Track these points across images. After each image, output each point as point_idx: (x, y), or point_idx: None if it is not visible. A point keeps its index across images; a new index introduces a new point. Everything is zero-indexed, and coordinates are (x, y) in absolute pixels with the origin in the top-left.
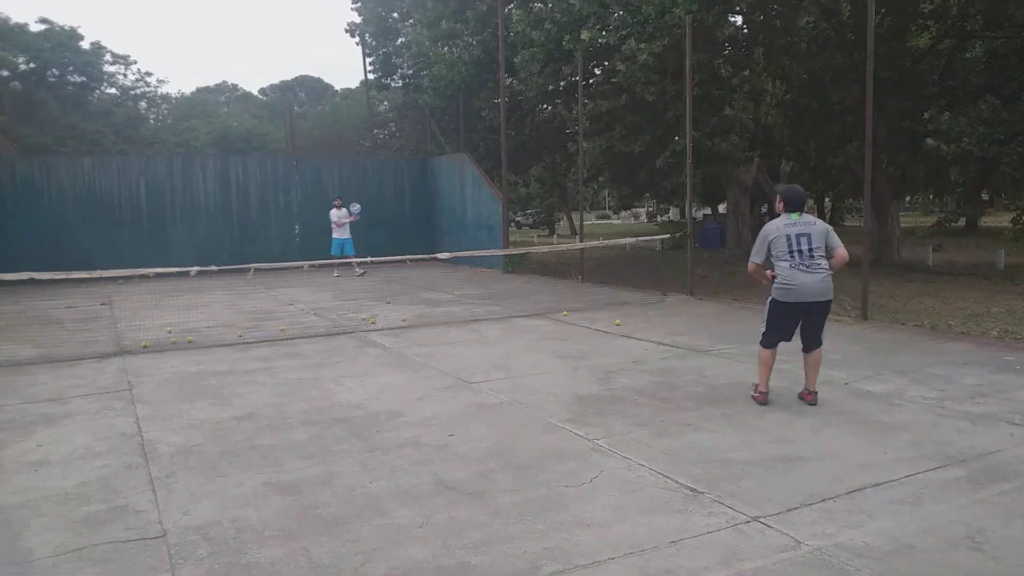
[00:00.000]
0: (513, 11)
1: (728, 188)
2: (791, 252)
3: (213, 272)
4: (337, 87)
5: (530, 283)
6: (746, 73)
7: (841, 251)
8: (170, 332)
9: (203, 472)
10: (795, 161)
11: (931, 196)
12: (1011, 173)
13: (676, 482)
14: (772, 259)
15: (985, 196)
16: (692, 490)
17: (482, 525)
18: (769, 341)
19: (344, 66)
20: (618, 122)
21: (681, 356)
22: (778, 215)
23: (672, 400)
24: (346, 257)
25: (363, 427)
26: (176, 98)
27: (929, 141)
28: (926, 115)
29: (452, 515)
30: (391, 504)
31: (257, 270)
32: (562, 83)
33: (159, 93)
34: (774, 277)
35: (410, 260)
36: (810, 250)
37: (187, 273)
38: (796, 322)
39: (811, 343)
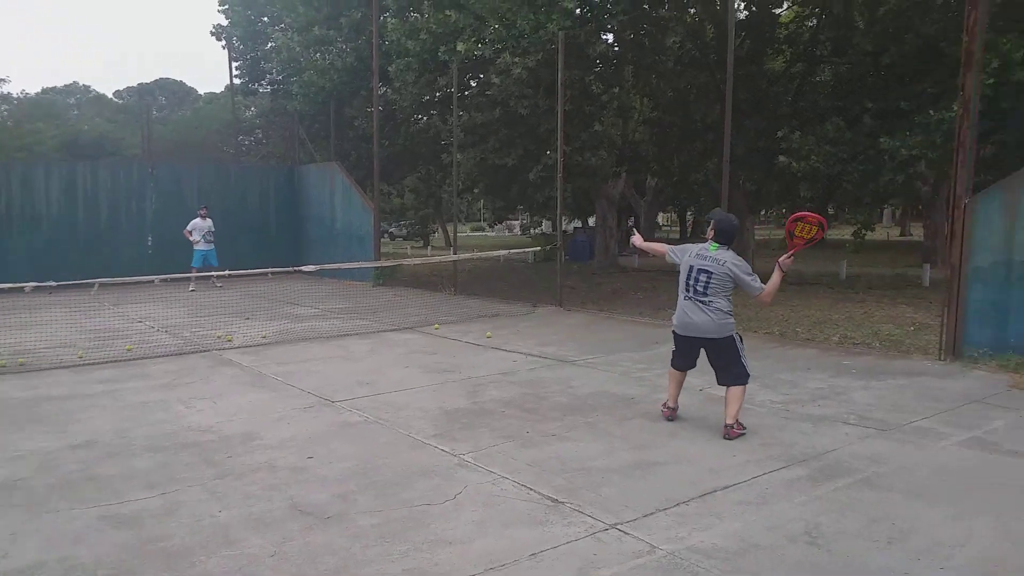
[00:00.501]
0: (389, 20)
1: (597, 202)
2: (687, 283)
3: (52, 288)
4: (201, 91)
5: (402, 296)
6: (616, 90)
7: (762, 296)
8: None
9: (28, 509)
10: (660, 177)
11: (783, 210)
12: (852, 190)
13: (538, 493)
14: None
15: (831, 211)
16: (553, 500)
17: (339, 550)
18: (674, 363)
19: (209, 70)
20: (492, 135)
21: (549, 367)
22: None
23: (539, 411)
24: (208, 270)
25: (214, 452)
26: (18, 98)
27: (781, 158)
28: (779, 134)
29: (308, 541)
30: (242, 532)
31: (103, 285)
32: (437, 94)
33: None
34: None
35: (271, 273)
36: (704, 288)
37: (22, 289)
38: (693, 352)
39: (721, 378)
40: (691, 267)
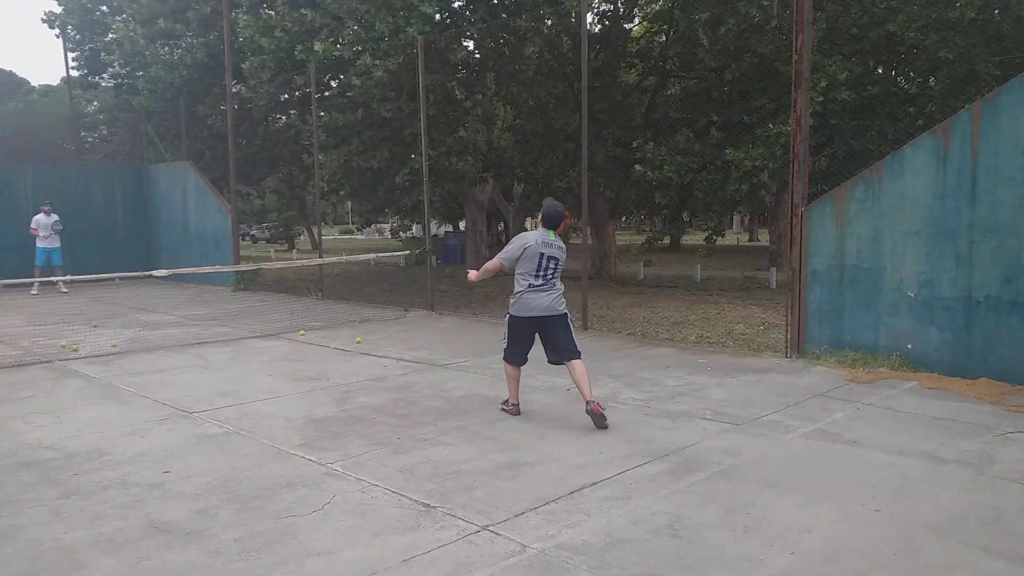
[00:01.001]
0: (241, 16)
1: (466, 206)
2: (536, 274)
3: None
4: (34, 83)
5: (264, 302)
6: (479, 97)
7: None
8: None
9: None
10: (525, 183)
11: (642, 216)
12: (703, 197)
13: (410, 499)
14: (515, 269)
15: (686, 217)
16: (425, 505)
17: (200, 567)
18: (510, 357)
19: (44, 60)
20: (355, 136)
21: (420, 371)
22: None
23: (410, 416)
24: (53, 270)
25: (57, 470)
26: None
27: (637, 167)
28: (634, 144)
29: (165, 560)
30: (90, 554)
31: None
32: (296, 93)
33: None
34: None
35: (120, 278)
36: (552, 274)
37: None
38: (533, 335)
39: (564, 354)
40: (541, 255)
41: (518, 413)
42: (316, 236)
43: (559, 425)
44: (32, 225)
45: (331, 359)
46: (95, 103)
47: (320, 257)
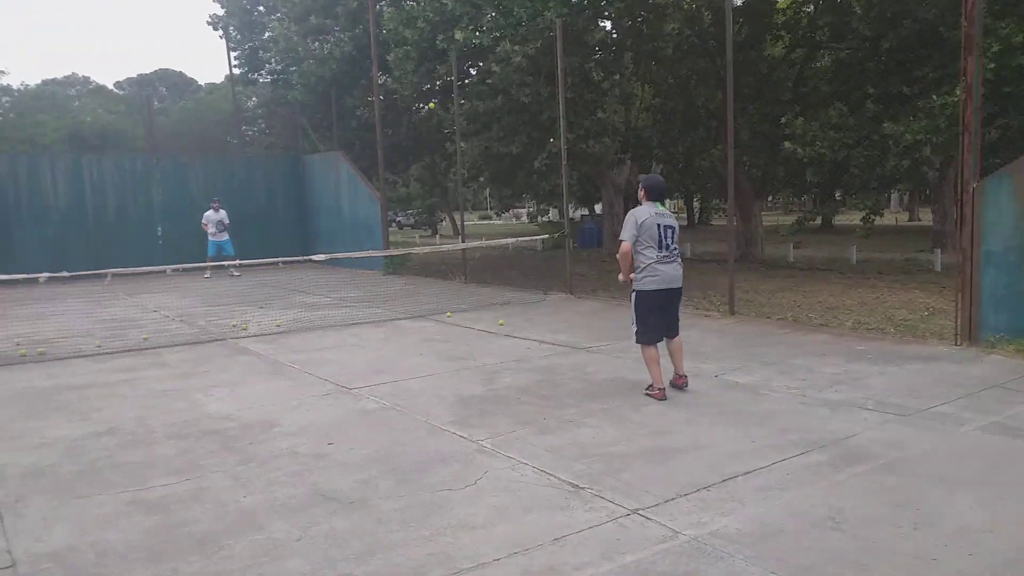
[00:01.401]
0: (385, 8)
1: (603, 189)
2: (660, 243)
3: (66, 278)
4: (201, 81)
5: (412, 285)
6: (616, 77)
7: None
8: (18, 344)
9: (57, 494)
10: (664, 163)
11: (790, 196)
12: (859, 174)
13: (558, 479)
14: (636, 246)
15: (839, 196)
16: (574, 486)
17: (364, 534)
18: (646, 337)
19: (209, 60)
20: (495, 123)
21: (563, 354)
22: (640, 204)
23: (554, 397)
24: (224, 259)
25: (235, 439)
26: (19, 91)
27: (787, 144)
28: (783, 120)
29: (332, 526)
30: (267, 518)
31: (116, 275)
32: (438, 82)
33: None
34: (631, 280)
35: (283, 263)
36: (672, 242)
37: (36, 280)
38: (662, 309)
39: (673, 330)
40: (658, 225)
41: (664, 397)
42: (459, 222)
43: (709, 412)
44: (203, 220)
45: (476, 340)
46: (254, 99)
47: (463, 242)
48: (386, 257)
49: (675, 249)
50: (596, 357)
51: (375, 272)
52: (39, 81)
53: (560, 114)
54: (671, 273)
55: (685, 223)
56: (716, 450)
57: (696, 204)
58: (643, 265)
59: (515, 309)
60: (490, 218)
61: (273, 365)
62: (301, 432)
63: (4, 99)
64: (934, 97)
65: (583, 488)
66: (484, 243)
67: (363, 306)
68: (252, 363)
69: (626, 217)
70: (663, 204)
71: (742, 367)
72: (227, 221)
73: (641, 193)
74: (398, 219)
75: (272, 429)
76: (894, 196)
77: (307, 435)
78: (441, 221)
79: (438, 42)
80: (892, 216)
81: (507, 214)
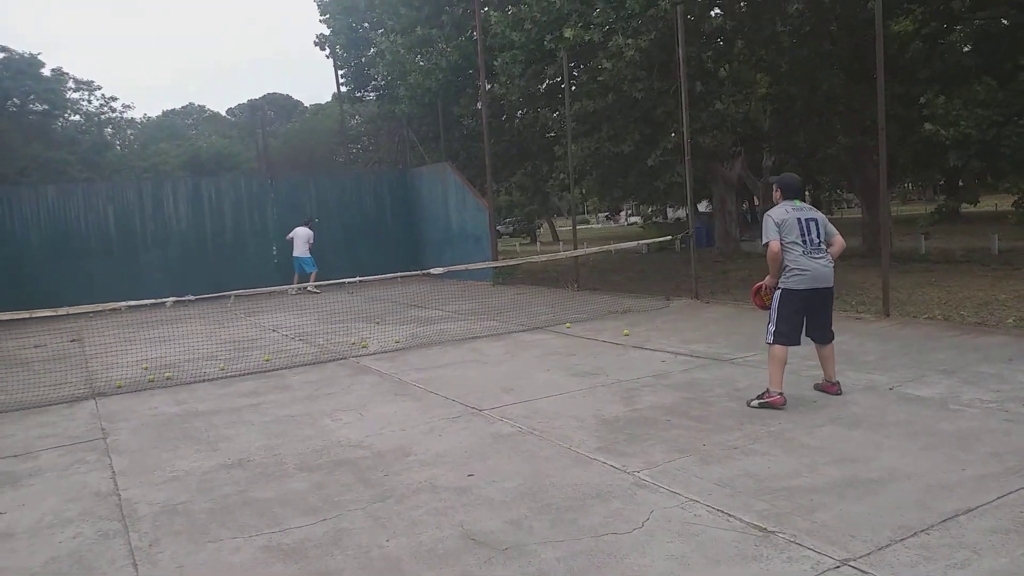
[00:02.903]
0: (491, 13)
1: (713, 185)
2: (804, 239)
3: (189, 301)
4: (307, 103)
5: (523, 294)
6: (730, 65)
7: (839, 239)
8: (146, 368)
9: (191, 537)
10: (784, 153)
11: (909, 185)
12: (1012, 155)
13: (740, 520)
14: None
15: (989, 179)
16: (761, 529)
17: None
18: (783, 338)
19: (313, 82)
20: (605, 122)
21: (704, 367)
22: (775, 204)
23: (709, 419)
24: (307, 275)
25: (369, 470)
26: (142, 122)
27: (927, 126)
28: (922, 99)
29: None
30: (415, 567)
31: (237, 296)
32: (542, 85)
33: (124, 118)
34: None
35: (400, 277)
36: (818, 236)
37: (163, 304)
38: (805, 313)
39: (825, 335)
40: (799, 219)
41: (784, 403)
42: (559, 227)
43: (896, 433)
44: (302, 237)
45: (603, 353)
46: (357, 116)
47: (575, 248)
48: (496, 268)
49: (821, 243)
50: (744, 370)
51: (485, 282)
52: (160, 112)
53: (682, 105)
54: (821, 270)
55: None
56: (920, 481)
57: (818, 195)
58: (790, 261)
59: (638, 317)
60: (587, 222)
61: (397, 385)
62: (437, 461)
63: (130, 132)
64: None
65: (774, 532)
66: (612, 247)
67: (478, 319)
68: (376, 383)
69: (763, 221)
70: (799, 200)
71: (918, 377)
72: (311, 242)
73: (776, 194)
74: (498, 228)
75: (406, 458)
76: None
77: (444, 464)
78: (539, 228)
79: (546, 43)
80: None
81: (602, 216)
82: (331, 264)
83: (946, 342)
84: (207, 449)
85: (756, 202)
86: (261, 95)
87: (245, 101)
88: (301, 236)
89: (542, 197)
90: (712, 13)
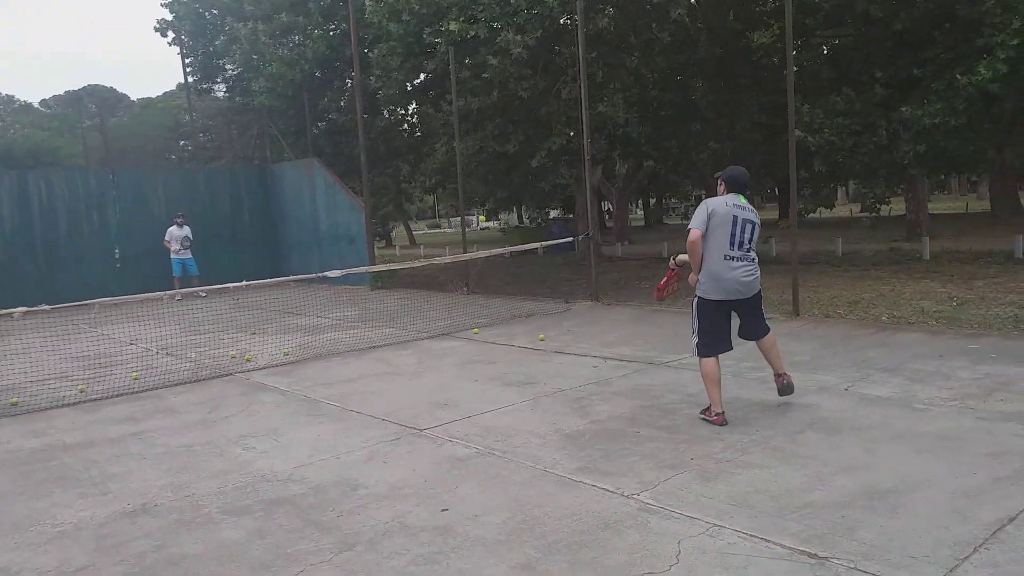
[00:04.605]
0: (366, 2)
1: (577, 190)
2: (732, 240)
3: (47, 311)
4: (133, 97)
5: (409, 299)
6: (619, 70)
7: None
8: None
9: None
10: (655, 160)
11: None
12: (868, 162)
13: (781, 546)
14: (704, 238)
15: (842, 185)
16: (811, 555)
17: None
18: (707, 348)
19: (139, 75)
20: (489, 120)
21: (641, 371)
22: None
23: (680, 429)
24: (190, 278)
25: (314, 509)
26: None
27: (797, 132)
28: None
29: None
30: None
31: (73, 306)
32: (418, 79)
33: None
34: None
35: (294, 281)
36: (749, 241)
37: (9, 316)
38: (729, 318)
39: (758, 330)
40: (735, 218)
41: (724, 423)
42: (461, 227)
43: (881, 437)
44: (166, 237)
45: (526, 360)
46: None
47: (464, 250)
48: (373, 272)
49: (751, 250)
50: (685, 375)
51: (361, 287)
52: None
53: (582, 96)
54: (738, 280)
55: (642, 224)
56: (940, 488)
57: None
58: (708, 266)
59: (544, 321)
60: (439, 226)
61: (306, 403)
62: (394, 494)
63: None
64: (959, 76)
65: (826, 558)
66: (507, 251)
67: (370, 326)
68: (280, 402)
69: (699, 206)
70: (743, 197)
71: (864, 376)
72: (191, 237)
73: (721, 187)
74: None
75: (355, 492)
76: (840, 190)
77: (405, 498)
78: (392, 231)
79: (425, 35)
80: (844, 208)
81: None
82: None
83: (866, 340)
84: (94, 492)
85: (610, 208)
86: (80, 87)
87: (62, 92)
88: (176, 236)
89: (398, 199)
90: (600, 12)
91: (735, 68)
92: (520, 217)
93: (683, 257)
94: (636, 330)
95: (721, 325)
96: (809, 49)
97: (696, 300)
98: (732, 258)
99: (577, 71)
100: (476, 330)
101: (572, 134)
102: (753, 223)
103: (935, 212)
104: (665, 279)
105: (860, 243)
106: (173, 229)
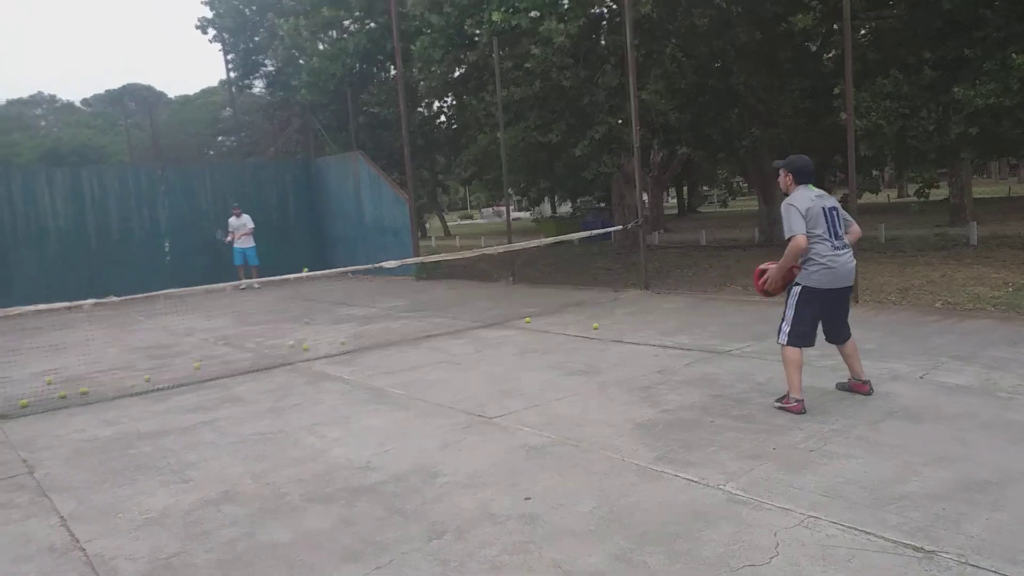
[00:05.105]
0: None
1: (612, 179)
2: (830, 230)
3: (116, 302)
4: (171, 95)
5: (456, 289)
6: (661, 55)
7: (856, 227)
8: (51, 383)
9: None
10: (695, 148)
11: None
12: (917, 146)
13: (884, 539)
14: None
15: (891, 170)
16: (918, 549)
17: None
18: (798, 339)
19: (178, 71)
20: (531, 111)
21: (705, 360)
22: (787, 192)
23: (757, 419)
24: (250, 268)
25: (397, 497)
26: None
27: (843, 115)
28: (836, 90)
29: None
30: None
31: (128, 298)
32: (458, 71)
33: None
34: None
35: (352, 272)
36: (841, 227)
37: (80, 307)
38: (830, 312)
39: (842, 333)
40: (823, 209)
41: (803, 411)
42: (507, 218)
43: (968, 425)
44: (228, 230)
45: (584, 348)
46: (228, 108)
47: (509, 241)
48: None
49: (843, 236)
50: (752, 363)
51: (406, 278)
52: (3, 102)
53: (630, 81)
54: (846, 267)
55: (676, 213)
56: None
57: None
58: (815, 256)
59: (595, 310)
60: (471, 217)
61: (372, 392)
62: (475, 482)
63: None
64: (1014, 56)
65: (934, 552)
66: (542, 241)
67: (421, 316)
68: (345, 391)
69: (783, 209)
70: (812, 187)
71: (937, 365)
72: (251, 226)
73: (787, 179)
74: None
75: (436, 480)
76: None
77: (486, 487)
78: (427, 223)
79: (466, 27)
80: (882, 194)
81: (489, 211)
82: (229, 262)
83: (931, 327)
84: (175, 480)
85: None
86: (119, 85)
87: (103, 92)
88: (236, 226)
89: (433, 192)
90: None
91: (776, 53)
92: (553, 207)
93: (773, 269)
94: (691, 319)
95: (819, 317)
96: (853, 31)
97: (799, 289)
98: (837, 248)
99: (620, 58)
100: (528, 319)
101: (619, 122)
102: (836, 209)
103: (977, 197)
104: (780, 279)
105: (902, 228)
106: (232, 220)
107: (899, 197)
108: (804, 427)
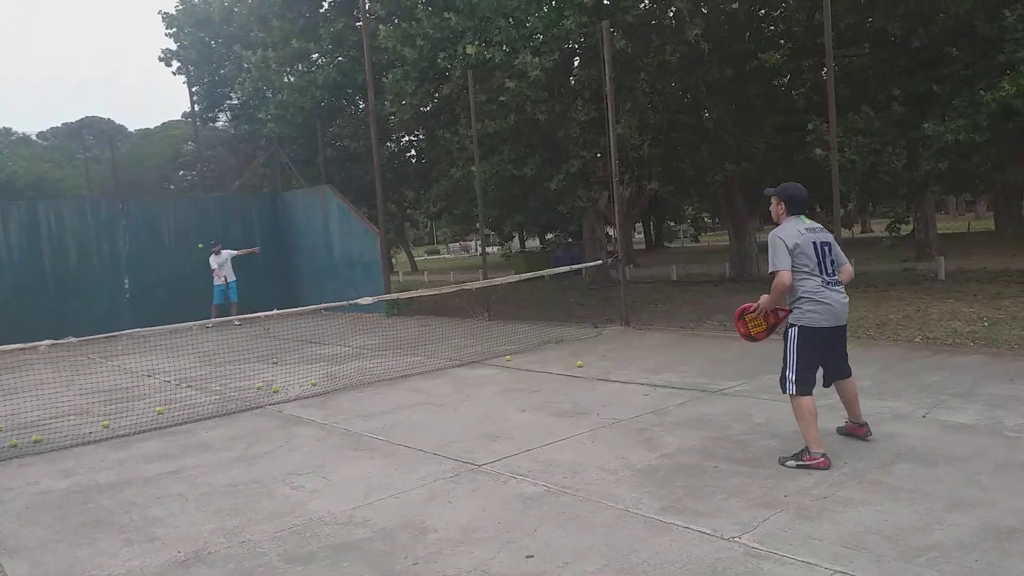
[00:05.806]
0: (380, 27)
1: (585, 215)
2: (820, 267)
3: (75, 343)
4: (131, 128)
5: (429, 325)
6: (634, 91)
7: (849, 267)
8: (1, 431)
9: None
10: (665, 182)
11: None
12: (889, 180)
13: None
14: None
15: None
16: None
17: None
18: (807, 386)
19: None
20: (505, 144)
21: (698, 399)
22: (777, 222)
23: (762, 463)
24: (231, 304)
25: (385, 556)
26: None
27: (818, 151)
28: (810, 126)
29: None
30: None
31: (114, 337)
32: (429, 105)
33: None
34: (787, 311)
35: (325, 309)
36: (832, 264)
37: (27, 348)
38: (830, 350)
39: (845, 370)
40: (814, 243)
41: (829, 466)
42: (482, 252)
43: (983, 468)
44: (213, 265)
45: (569, 388)
46: (190, 143)
47: (484, 276)
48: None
49: (834, 271)
50: (746, 402)
51: (377, 314)
52: None
53: (608, 117)
54: (840, 304)
55: (643, 248)
56: None
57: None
58: (807, 293)
59: (577, 347)
60: (438, 252)
61: (349, 437)
62: (470, 538)
63: None
64: (982, 92)
65: None
66: (515, 278)
67: (396, 355)
68: (319, 437)
69: (769, 241)
70: (806, 217)
71: (937, 402)
72: (234, 253)
73: (779, 208)
74: None
75: (426, 536)
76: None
77: (481, 543)
78: (393, 257)
79: (440, 60)
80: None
81: (456, 246)
82: (192, 298)
83: (923, 363)
84: (140, 538)
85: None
86: (77, 119)
87: (59, 125)
88: (219, 263)
89: (400, 226)
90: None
91: (747, 88)
92: (522, 242)
93: (763, 300)
94: (676, 355)
95: (819, 358)
96: (821, 69)
97: (796, 332)
98: (828, 283)
99: (593, 93)
100: (508, 357)
101: (598, 155)
102: (829, 244)
103: (939, 232)
104: (765, 323)
105: (871, 263)
106: (212, 258)
107: (862, 232)
108: (814, 472)
